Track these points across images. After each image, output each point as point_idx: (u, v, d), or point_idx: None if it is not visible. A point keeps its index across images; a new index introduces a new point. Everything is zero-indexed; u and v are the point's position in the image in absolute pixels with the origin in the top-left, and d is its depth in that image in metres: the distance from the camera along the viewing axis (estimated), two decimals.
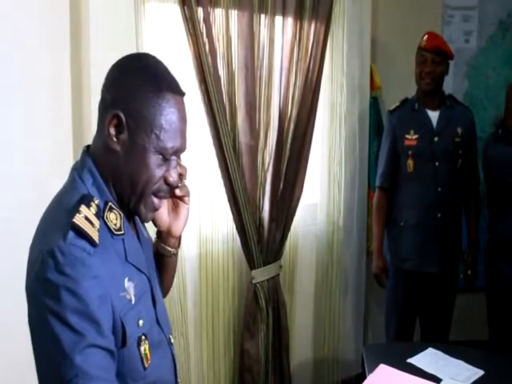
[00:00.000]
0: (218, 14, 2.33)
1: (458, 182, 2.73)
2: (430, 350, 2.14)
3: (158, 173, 1.09)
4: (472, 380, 1.91)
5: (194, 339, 2.49)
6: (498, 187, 2.70)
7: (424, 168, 2.69)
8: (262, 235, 2.60)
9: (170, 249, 1.28)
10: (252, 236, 2.53)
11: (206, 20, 2.28)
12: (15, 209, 1.86)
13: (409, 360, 2.06)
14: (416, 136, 2.70)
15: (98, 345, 0.97)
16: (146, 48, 2.19)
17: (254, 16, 2.44)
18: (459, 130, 2.71)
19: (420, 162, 2.69)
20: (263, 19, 2.49)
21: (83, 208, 1.02)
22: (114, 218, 1.07)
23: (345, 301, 3.17)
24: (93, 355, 0.96)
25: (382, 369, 1.80)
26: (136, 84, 1.07)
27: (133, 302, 1.07)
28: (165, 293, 1.37)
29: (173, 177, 1.12)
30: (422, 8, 3.36)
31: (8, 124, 1.84)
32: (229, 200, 2.47)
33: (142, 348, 1.08)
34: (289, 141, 2.65)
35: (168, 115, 1.08)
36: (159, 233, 1.28)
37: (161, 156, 1.09)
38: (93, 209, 1.03)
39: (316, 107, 2.75)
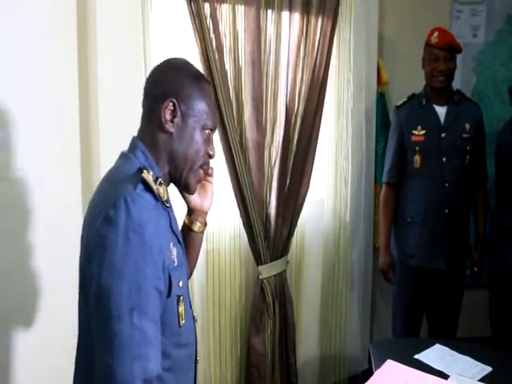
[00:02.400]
0: (224, 9, 2.33)
1: (466, 179, 2.71)
2: (438, 346, 2.14)
3: (204, 147, 1.34)
4: (479, 376, 1.90)
5: (200, 335, 2.49)
6: (510, 176, 2.67)
7: (431, 164, 2.68)
8: (269, 231, 2.60)
9: (200, 225, 1.51)
10: (259, 232, 2.53)
11: (213, 16, 2.27)
12: (22, 207, 1.88)
13: (416, 356, 2.05)
14: (423, 132, 2.69)
15: (154, 285, 1.13)
16: (153, 44, 2.19)
17: (261, 11, 2.43)
18: (467, 126, 2.69)
19: (427, 158, 2.68)
20: (270, 15, 2.48)
21: (145, 173, 1.19)
22: (163, 192, 1.23)
23: (351, 297, 3.16)
24: (148, 293, 1.11)
25: (389, 364, 1.80)
26: (181, 77, 1.32)
27: (175, 264, 1.22)
28: (189, 275, 1.48)
29: (213, 150, 1.37)
30: (430, 3, 3.35)
31: (16, 123, 1.84)
32: (236, 196, 2.47)
33: (180, 308, 1.24)
34: (295, 137, 2.65)
35: (207, 99, 1.34)
36: (189, 212, 1.51)
37: (206, 131, 1.34)
38: (151, 177, 1.21)
39: (323, 103, 2.74)
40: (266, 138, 2.54)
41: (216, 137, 2.39)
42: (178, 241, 1.30)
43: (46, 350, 1.92)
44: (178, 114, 1.29)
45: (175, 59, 1.39)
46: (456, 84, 3.41)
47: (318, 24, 2.65)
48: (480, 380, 1.87)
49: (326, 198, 3.02)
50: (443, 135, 2.67)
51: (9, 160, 1.82)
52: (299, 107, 2.64)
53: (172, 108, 1.29)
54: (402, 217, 2.79)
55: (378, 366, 1.86)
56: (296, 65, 2.60)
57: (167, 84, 1.31)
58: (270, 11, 2.48)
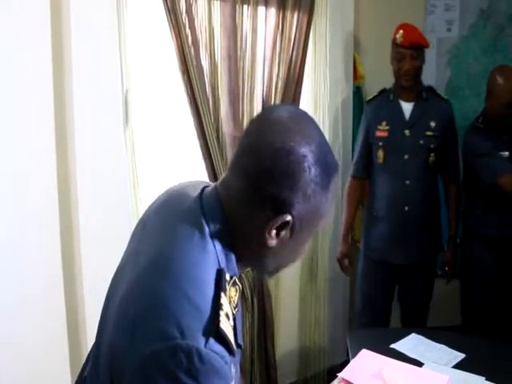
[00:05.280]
0: (200, 4, 2.33)
1: (429, 177, 2.69)
2: (413, 336, 2.17)
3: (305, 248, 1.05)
4: (453, 363, 1.94)
5: None
6: (472, 177, 2.68)
7: (393, 160, 2.66)
8: None
9: None
10: None
11: (189, 11, 2.28)
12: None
13: (392, 345, 2.08)
14: (387, 127, 2.68)
15: None
16: (129, 40, 2.19)
17: (237, 7, 2.44)
18: (432, 124, 2.65)
19: (389, 154, 2.67)
20: (246, 10, 2.50)
21: (223, 300, 0.90)
22: (234, 294, 0.95)
23: (330, 289, 3.19)
24: None
25: (364, 354, 1.83)
26: (313, 182, 0.93)
27: None
28: None
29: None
30: None
31: None
32: None
33: None
34: None
35: (330, 202, 0.99)
36: None
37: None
38: (227, 294, 0.92)
39: (299, 97, 2.77)
40: (242, 132, 2.54)
41: (192, 133, 2.40)
42: (241, 347, 1.01)
43: None
44: (288, 230, 0.96)
45: (306, 131, 0.95)
46: (431, 78, 3.46)
47: (293, 19, 2.67)
48: (454, 367, 1.91)
49: None
50: (407, 132, 2.65)
51: None
52: (276, 102, 2.65)
53: (282, 224, 0.94)
54: (369, 211, 2.81)
55: (355, 356, 1.89)
56: (272, 60, 2.62)
57: (291, 188, 0.91)
58: (245, 6, 2.49)
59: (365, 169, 2.80)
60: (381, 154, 2.69)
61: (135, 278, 0.95)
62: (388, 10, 3.32)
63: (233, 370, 0.96)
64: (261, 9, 2.56)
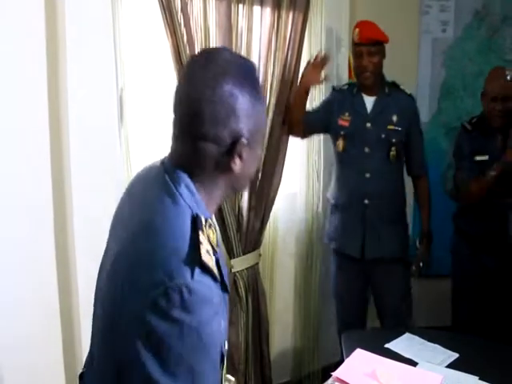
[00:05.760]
0: (195, 3, 2.32)
1: (391, 171, 2.66)
2: (407, 335, 2.18)
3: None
4: (447, 363, 1.95)
5: None
6: None
7: (353, 151, 2.65)
8: (241, 224, 2.61)
9: None
10: (231, 225, 2.55)
11: (184, 10, 2.27)
12: None
13: (386, 345, 2.08)
14: (349, 118, 2.66)
15: (212, 381, 0.98)
16: (124, 37, 2.19)
17: (232, 6, 2.44)
18: (394, 118, 2.63)
19: (350, 145, 2.65)
20: (241, 9, 2.49)
21: (202, 237, 0.98)
22: (212, 236, 1.03)
23: (325, 288, 3.19)
24: None
25: (359, 353, 1.84)
26: (248, 101, 1.03)
27: (222, 326, 1.03)
28: None
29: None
30: None
31: None
32: None
33: (224, 370, 1.12)
34: (267, 130, 2.67)
35: (264, 101, 1.14)
36: None
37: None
38: (205, 233, 1.00)
39: None
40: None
41: None
42: (227, 288, 1.07)
43: None
44: (247, 147, 1.05)
45: (233, 63, 1.05)
46: (426, 79, 3.48)
47: (289, 18, 2.67)
48: (447, 366, 1.92)
49: (298, 192, 3.05)
50: (368, 125, 2.63)
51: None
52: (271, 101, 2.65)
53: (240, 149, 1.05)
54: (330, 199, 2.81)
55: (349, 355, 1.89)
56: (267, 59, 2.62)
57: (232, 120, 1.02)
58: (241, 5, 2.49)
59: (312, 117, 2.75)
60: (341, 143, 2.67)
61: (120, 249, 1.01)
62: (383, 10, 3.33)
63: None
64: (256, 8, 2.56)
